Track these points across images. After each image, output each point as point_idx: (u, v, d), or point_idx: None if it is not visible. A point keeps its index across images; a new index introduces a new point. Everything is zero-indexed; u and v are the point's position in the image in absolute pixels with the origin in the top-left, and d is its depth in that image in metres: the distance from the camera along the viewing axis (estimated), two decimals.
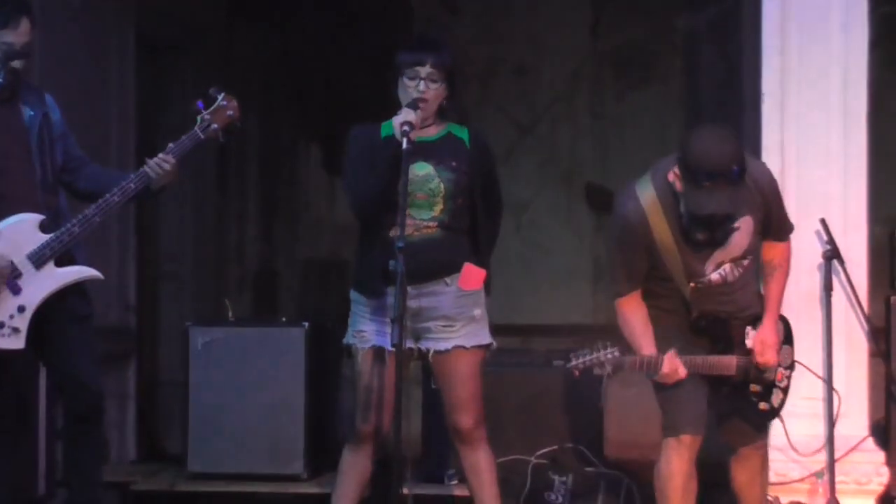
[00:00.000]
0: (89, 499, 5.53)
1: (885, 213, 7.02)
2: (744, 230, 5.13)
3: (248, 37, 8.50)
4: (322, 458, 6.81)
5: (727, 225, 5.05)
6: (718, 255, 5.13)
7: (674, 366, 5.09)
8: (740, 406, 5.32)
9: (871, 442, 6.31)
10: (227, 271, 8.59)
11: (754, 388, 5.28)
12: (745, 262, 5.21)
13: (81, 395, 5.44)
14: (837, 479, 6.02)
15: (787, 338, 5.39)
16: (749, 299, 5.30)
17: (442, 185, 5.22)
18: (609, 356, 5.11)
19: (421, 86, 5.18)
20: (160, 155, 5.35)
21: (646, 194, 5.06)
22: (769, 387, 5.31)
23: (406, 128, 5.04)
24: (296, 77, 8.64)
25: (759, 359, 5.24)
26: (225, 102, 5.41)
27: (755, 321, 5.25)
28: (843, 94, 6.17)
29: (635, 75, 8.24)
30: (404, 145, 5.00)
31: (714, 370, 5.22)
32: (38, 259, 5.22)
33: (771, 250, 5.32)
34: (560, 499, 6.37)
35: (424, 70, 5.19)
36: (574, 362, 5.13)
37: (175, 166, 5.35)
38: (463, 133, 5.35)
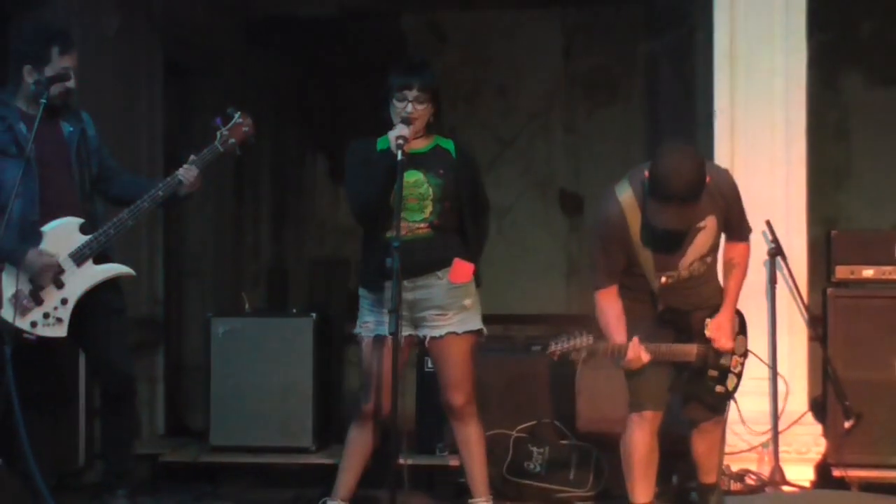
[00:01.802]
0: (123, 469, 5.60)
1: (823, 215, 7.06)
2: (709, 229, 5.15)
3: (262, 62, 8.50)
4: (328, 433, 6.84)
5: (679, 238, 5.07)
6: (691, 252, 5.16)
7: (637, 352, 5.10)
8: (700, 389, 5.32)
9: (810, 416, 6.32)
10: (244, 268, 8.59)
11: (712, 373, 5.29)
12: (709, 260, 5.24)
13: (115, 378, 5.49)
14: (781, 449, 6.04)
15: (742, 328, 5.39)
16: (711, 292, 5.30)
17: (430, 191, 5.28)
18: (584, 343, 5.11)
19: (409, 107, 5.24)
20: (184, 166, 5.40)
21: (624, 195, 5.07)
22: (725, 372, 5.31)
23: (400, 141, 5.11)
24: (303, 97, 8.65)
25: (717, 345, 5.25)
26: (241, 120, 5.46)
27: (714, 312, 5.25)
28: (785, 111, 6.20)
29: (602, 95, 8.26)
30: (399, 156, 5.07)
31: (676, 357, 5.23)
32: (79, 257, 5.27)
33: (731, 250, 5.33)
34: (538, 468, 6.37)
35: (412, 93, 5.25)
36: (553, 348, 5.14)
37: (198, 176, 5.40)
38: (449, 145, 5.41)
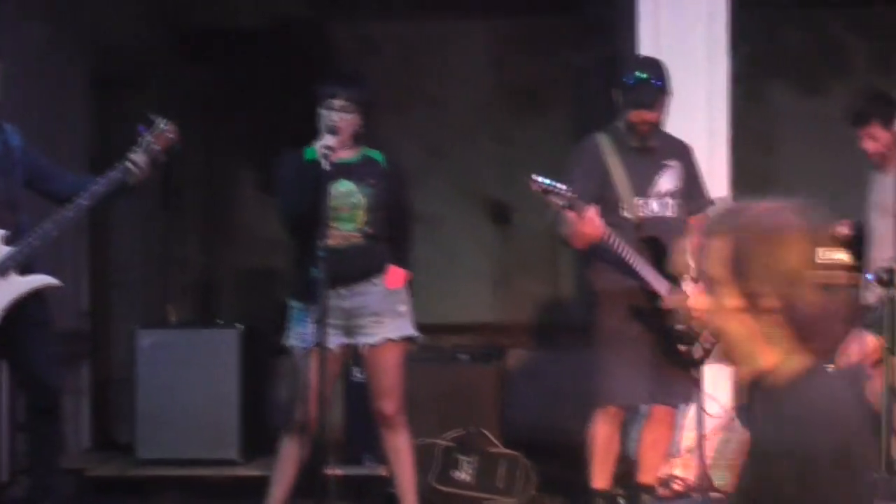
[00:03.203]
0: (49, 484, 5.55)
1: None
2: (675, 170, 5.58)
3: (192, 74, 8.50)
4: (255, 445, 6.85)
5: (655, 131, 5.54)
6: (660, 183, 5.55)
7: (595, 220, 5.27)
8: (666, 354, 5.51)
9: (735, 421, 6.47)
10: (171, 280, 8.58)
11: (680, 328, 5.48)
12: (679, 203, 5.57)
13: (41, 391, 5.45)
14: (708, 454, 6.10)
15: None
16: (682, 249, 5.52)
17: (362, 200, 5.35)
18: (568, 193, 5.23)
19: (335, 116, 5.31)
20: (129, 156, 5.38)
21: (597, 135, 5.59)
22: (692, 336, 5.49)
23: (327, 151, 5.17)
24: (234, 109, 8.65)
25: (693, 298, 5.41)
26: (165, 127, 5.47)
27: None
28: (708, 121, 6.33)
29: (532, 106, 8.32)
30: (325, 166, 5.14)
31: (649, 280, 5.40)
32: (2, 269, 5.24)
33: (696, 224, 5.54)
34: (467, 477, 6.45)
35: (338, 102, 5.32)
36: (537, 179, 5.23)
37: (147, 162, 5.39)
38: (377, 155, 5.49)
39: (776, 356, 2.71)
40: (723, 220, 2.78)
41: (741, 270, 2.69)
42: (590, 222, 5.29)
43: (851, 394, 2.81)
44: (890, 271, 5.51)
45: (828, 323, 2.75)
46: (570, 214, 5.32)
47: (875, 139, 6.07)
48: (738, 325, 2.72)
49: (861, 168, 6.49)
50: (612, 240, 5.38)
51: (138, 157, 5.36)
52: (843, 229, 6.12)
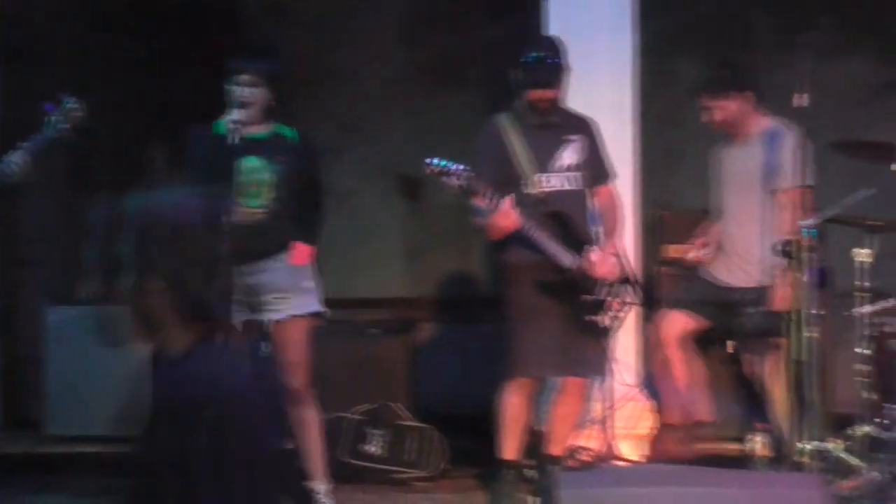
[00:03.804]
0: None
1: (655, 198, 7.26)
2: (576, 145, 5.68)
3: (104, 47, 8.43)
4: None
5: (555, 108, 5.64)
6: (563, 157, 5.63)
7: (510, 212, 5.37)
8: (576, 326, 5.60)
9: (640, 394, 6.58)
10: (81, 256, 8.51)
11: (587, 298, 5.57)
12: (580, 175, 5.67)
13: None
14: (614, 425, 6.23)
15: (628, 280, 5.74)
16: (584, 224, 5.71)
17: (269, 176, 5.37)
18: (464, 174, 5.30)
19: (243, 91, 5.32)
20: (12, 153, 5.35)
21: (498, 116, 5.69)
22: (600, 304, 5.60)
23: (234, 125, 5.18)
24: (146, 82, 8.58)
25: (598, 268, 5.58)
26: (73, 105, 5.43)
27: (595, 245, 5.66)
28: (616, 96, 6.44)
29: (443, 80, 8.34)
30: (234, 140, 5.14)
31: (555, 254, 5.50)
32: None
33: (598, 196, 5.80)
34: (378, 450, 6.50)
35: (245, 77, 5.33)
36: (431, 162, 5.33)
37: (28, 162, 5.35)
38: (288, 131, 5.50)
39: (174, 332, 3.19)
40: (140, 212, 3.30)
41: (150, 258, 3.16)
42: (506, 215, 5.38)
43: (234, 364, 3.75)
44: (789, 243, 5.62)
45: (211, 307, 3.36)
46: (479, 201, 5.39)
47: (726, 110, 6.16)
48: (148, 305, 3.16)
49: None
50: (527, 228, 5.45)
51: (17, 158, 5.28)
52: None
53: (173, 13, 8.30)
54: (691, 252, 6.23)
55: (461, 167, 5.29)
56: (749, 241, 6.15)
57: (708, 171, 6.34)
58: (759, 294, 6.04)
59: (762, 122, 6.22)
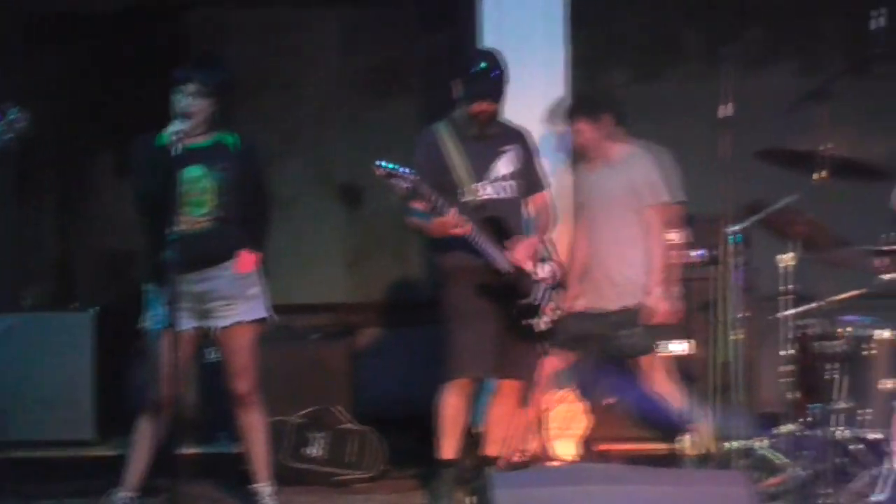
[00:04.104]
0: None
1: None
2: (511, 155, 5.70)
3: (48, 58, 8.37)
4: (112, 425, 6.80)
5: (493, 120, 5.67)
6: (497, 167, 5.65)
7: (456, 220, 5.40)
8: (512, 329, 5.62)
9: (573, 396, 6.61)
10: (26, 264, 8.45)
11: (523, 301, 5.59)
12: (514, 185, 5.68)
13: None
14: (549, 425, 6.19)
15: (563, 284, 5.80)
16: (518, 230, 5.70)
17: (212, 184, 5.34)
18: (411, 177, 5.31)
19: (187, 101, 5.29)
20: None
21: (436, 125, 5.71)
22: (535, 308, 5.63)
23: (178, 136, 5.14)
24: (90, 93, 8.52)
25: (515, 255, 5.58)
26: (17, 115, 5.37)
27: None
28: (546, 103, 6.46)
29: (383, 88, 8.35)
30: (177, 151, 5.10)
31: (492, 258, 5.52)
32: None
33: (534, 202, 5.84)
34: (319, 452, 6.47)
35: (190, 88, 5.30)
36: (380, 165, 5.31)
37: None
38: (230, 138, 5.46)
39: None
40: None
41: None
42: (451, 224, 5.43)
43: None
44: (715, 249, 5.69)
45: None
46: (422, 204, 5.41)
47: (580, 134, 6.22)
48: None
49: (691, 151, 6.64)
50: (472, 235, 5.47)
51: None
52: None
53: (119, 25, 8.24)
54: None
55: (408, 171, 5.32)
56: (617, 263, 6.19)
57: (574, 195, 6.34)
58: (632, 314, 6.08)
59: (621, 148, 6.27)
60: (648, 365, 6.19)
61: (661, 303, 6.08)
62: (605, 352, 6.19)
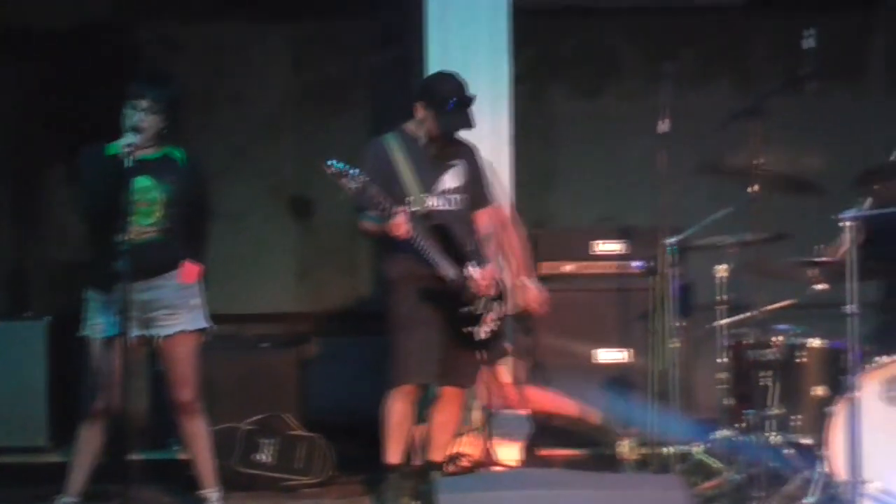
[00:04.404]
0: None
1: (529, 217, 7.31)
2: (460, 169, 5.69)
3: (4, 69, 8.30)
4: (65, 432, 6.70)
5: (438, 160, 5.64)
6: (445, 180, 5.63)
7: (404, 219, 5.36)
8: (455, 337, 5.58)
9: (516, 403, 6.59)
10: None
11: (463, 310, 5.58)
12: (461, 198, 5.67)
13: None
14: (492, 431, 6.24)
15: (501, 296, 5.73)
16: (467, 238, 5.67)
17: (160, 196, 5.33)
18: (360, 178, 5.30)
19: (139, 116, 5.29)
20: None
21: (386, 136, 5.67)
22: (477, 318, 5.61)
23: (129, 148, 5.13)
24: (43, 106, 8.45)
25: (477, 284, 5.56)
26: None
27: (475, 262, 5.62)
28: (491, 121, 6.46)
29: (331, 104, 8.32)
30: (127, 163, 5.09)
31: (438, 265, 5.50)
32: None
33: (479, 220, 5.79)
34: (268, 458, 6.44)
35: (143, 103, 5.30)
36: (332, 164, 5.28)
37: None
38: (178, 153, 5.46)
39: None
40: None
41: None
42: (398, 226, 5.40)
43: None
44: (653, 259, 5.71)
45: None
46: (371, 206, 5.41)
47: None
48: None
49: (630, 165, 6.69)
50: (416, 239, 5.46)
51: None
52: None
53: (70, 41, 8.19)
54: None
55: (357, 171, 5.31)
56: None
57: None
58: (486, 304, 6.04)
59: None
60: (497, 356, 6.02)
61: (532, 289, 5.97)
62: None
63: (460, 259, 5.63)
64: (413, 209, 5.58)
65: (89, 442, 5.41)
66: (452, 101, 5.57)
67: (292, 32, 8.43)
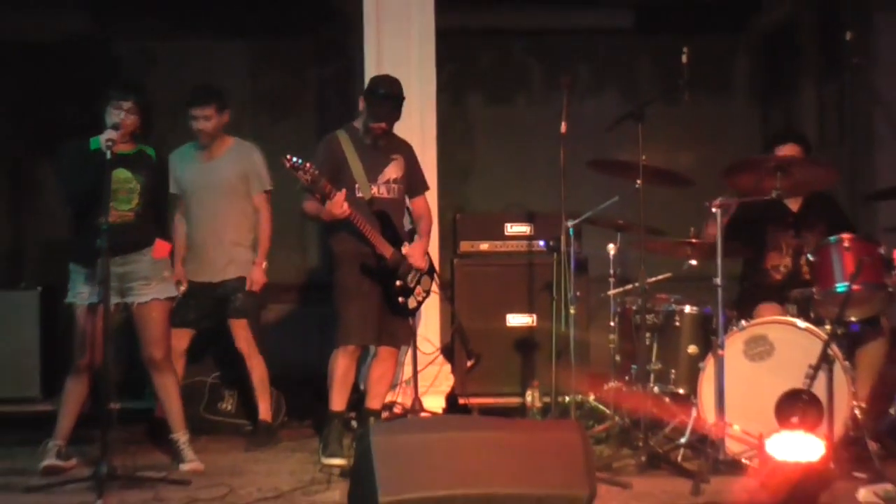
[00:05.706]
0: None
1: (452, 203, 7.34)
2: (398, 162, 5.68)
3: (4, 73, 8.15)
4: (54, 385, 6.61)
5: (381, 151, 5.62)
6: (387, 172, 5.61)
7: (341, 202, 5.35)
8: (390, 305, 5.60)
9: (441, 358, 6.61)
10: None
11: (399, 283, 5.59)
12: (400, 188, 5.68)
13: None
14: (420, 384, 6.21)
15: (430, 271, 5.76)
16: (401, 225, 5.72)
17: (136, 185, 5.33)
18: (313, 171, 5.29)
19: (122, 115, 5.27)
20: None
21: (337, 132, 5.64)
22: (409, 291, 5.63)
23: (109, 143, 5.10)
24: (33, 109, 8.27)
25: (411, 259, 5.60)
26: None
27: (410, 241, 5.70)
28: (420, 124, 6.44)
29: (281, 110, 8.24)
30: (108, 156, 5.07)
31: (377, 243, 5.51)
32: None
33: (415, 204, 5.83)
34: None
35: (126, 104, 5.29)
36: (290, 158, 5.26)
37: None
38: (150, 151, 5.47)
39: None
40: None
41: None
42: (338, 205, 5.36)
43: None
44: (557, 240, 5.73)
45: None
46: (318, 196, 5.39)
47: (208, 120, 6.03)
48: None
49: (536, 161, 6.68)
50: (354, 218, 5.42)
51: None
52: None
53: (55, 53, 8.05)
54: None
55: (310, 165, 5.29)
56: (220, 241, 6.03)
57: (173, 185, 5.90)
58: (239, 282, 6.02)
59: (229, 141, 6.15)
60: (241, 327, 6.04)
61: (263, 274, 6.03)
62: (218, 315, 6.03)
63: (397, 240, 5.62)
64: (359, 196, 5.55)
65: (74, 393, 5.39)
66: (380, 93, 5.54)
67: (248, 47, 8.34)
